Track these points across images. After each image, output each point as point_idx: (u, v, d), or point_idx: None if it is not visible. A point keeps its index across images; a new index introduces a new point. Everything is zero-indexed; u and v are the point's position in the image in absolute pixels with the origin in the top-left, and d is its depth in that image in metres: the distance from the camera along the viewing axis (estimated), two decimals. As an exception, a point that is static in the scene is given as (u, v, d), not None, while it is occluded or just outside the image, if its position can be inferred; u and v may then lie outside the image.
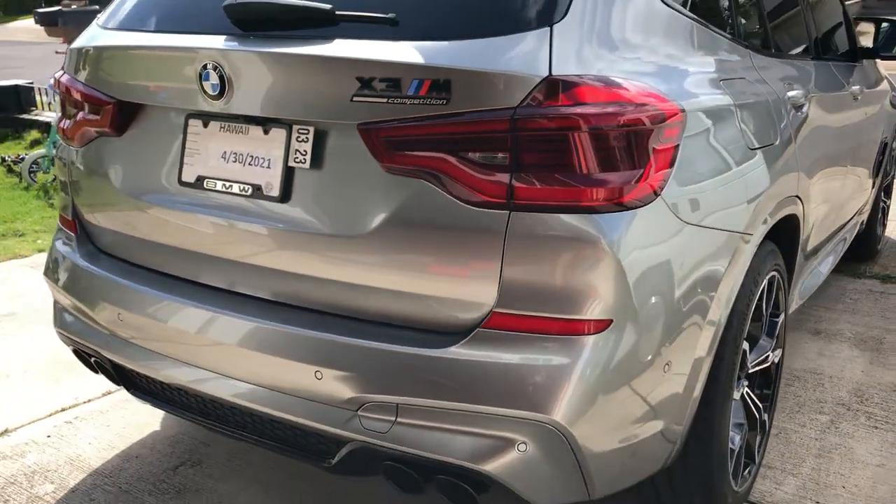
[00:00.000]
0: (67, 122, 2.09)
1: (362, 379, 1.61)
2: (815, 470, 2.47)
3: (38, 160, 6.24)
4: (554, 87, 1.47)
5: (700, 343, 1.75)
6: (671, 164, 1.60)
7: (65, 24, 11.96)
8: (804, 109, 2.34)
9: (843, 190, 3.08)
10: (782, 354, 2.45)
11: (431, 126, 1.51)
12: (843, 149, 2.89)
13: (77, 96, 2.03)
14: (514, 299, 1.54)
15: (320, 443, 1.75)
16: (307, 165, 1.68)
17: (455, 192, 1.53)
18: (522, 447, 1.55)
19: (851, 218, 3.63)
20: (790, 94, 2.23)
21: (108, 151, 2.01)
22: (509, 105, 1.47)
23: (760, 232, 1.93)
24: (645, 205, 1.55)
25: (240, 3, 1.68)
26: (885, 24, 3.65)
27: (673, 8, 1.81)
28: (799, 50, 2.78)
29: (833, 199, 2.88)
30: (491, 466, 1.57)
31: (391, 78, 1.52)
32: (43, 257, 4.27)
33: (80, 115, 2.03)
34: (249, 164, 1.76)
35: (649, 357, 1.62)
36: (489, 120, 1.48)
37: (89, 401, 2.83)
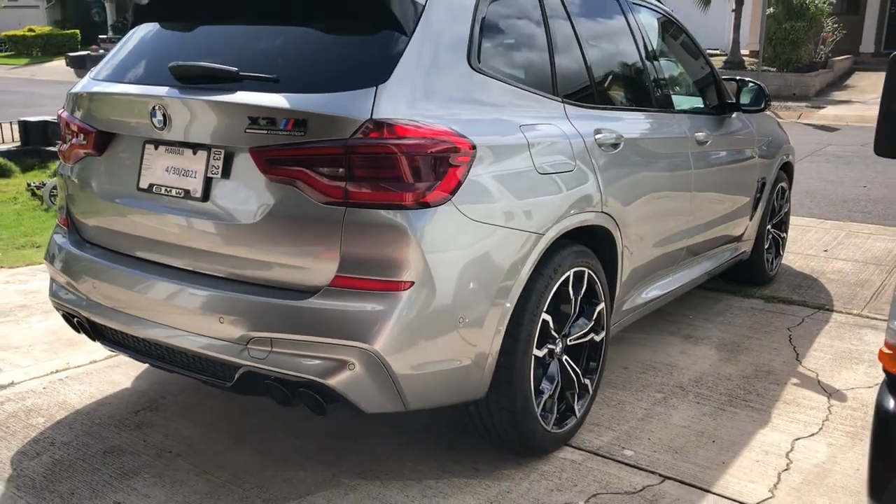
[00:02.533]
0: (64, 146, 2.90)
1: (249, 322, 2.37)
2: (633, 428, 3.16)
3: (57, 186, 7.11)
4: (373, 125, 2.25)
5: (491, 306, 2.48)
6: (462, 180, 2.36)
7: (92, 67, 13.00)
8: (618, 148, 3.09)
9: (692, 217, 3.80)
10: (606, 336, 3.15)
11: (294, 150, 2.29)
12: (680, 182, 3.62)
13: (73, 127, 2.85)
14: (350, 267, 2.29)
15: (223, 370, 2.49)
16: (220, 176, 2.47)
17: (310, 195, 2.30)
18: (352, 367, 2.29)
19: (720, 243, 4.34)
20: (599, 136, 2.99)
21: (91, 167, 2.82)
22: (343, 137, 2.25)
23: (553, 232, 2.67)
24: (440, 206, 2.31)
25: (178, 65, 2.49)
26: (750, 84, 4.41)
27: (483, 73, 2.59)
28: (632, 103, 3.54)
29: (671, 224, 3.61)
30: (333, 381, 2.30)
31: (269, 117, 2.31)
32: (53, 264, 5.09)
33: (74, 140, 2.85)
34: (183, 175, 2.54)
35: (444, 311, 2.36)
36: (331, 146, 2.25)
37: (79, 366, 3.60)
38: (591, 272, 2.95)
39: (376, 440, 2.99)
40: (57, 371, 3.54)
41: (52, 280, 2.99)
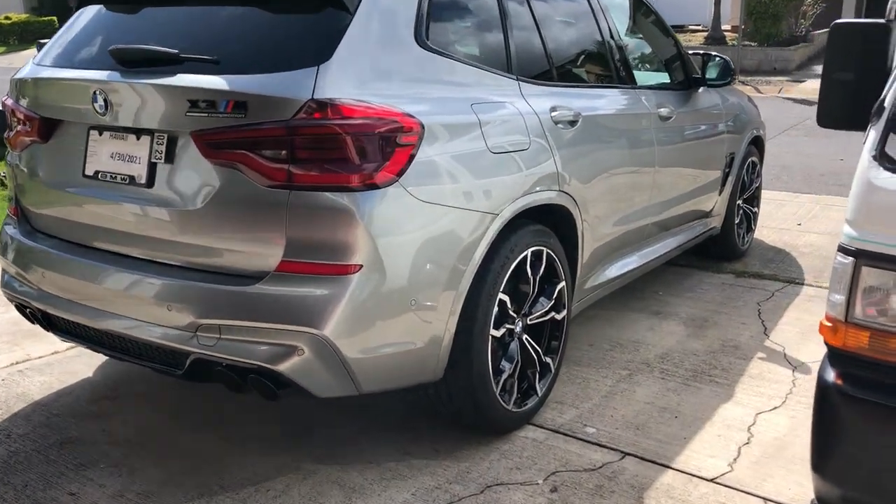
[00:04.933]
0: (10, 133, 2.85)
1: (197, 309, 2.34)
2: (596, 405, 3.15)
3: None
4: (316, 105, 2.21)
5: (444, 288, 2.46)
6: (410, 160, 2.33)
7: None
8: (576, 126, 3.06)
9: (656, 193, 3.78)
10: (567, 315, 3.14)
11: (236, 132, 2.25)
12: (642, 158, 3.60)
13: (18, 115, 2.79)
14: (296, 251, 2.26)
15: (174, 358, 2.46)
16: (163, 161, 2.42)
17: (254, 178, 2.26)
18: (301, 352, 2.27)
19: (688, 219, 4.33)
20: (556, 114, 2.96)
21: (37, 155, 2.77)
22: (285, 118, 2.21)
23: (509, 212, 2.64)
24: (388, 187, 2.28)
25: (118, 48, 2.43)
26: (716, 59, 4.38)
27: (432, 50, 2.55)
28: (592, 80, 3.51)
29: (634, 201, 3.59)
30: (282, 367, 2.28)
31: (209, 100, 2.26)
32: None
33: (19, 128, 2.79)
34: (128, 161, 2.50)
35: (395, 294, 2.34)
36: (272, 128, 2.21)
37: (40, 357, 3.56)
38: (549, 251, 2.93)
39: (338, 424, 2.98)
40: (17, 363, 3.50)
41: (4, 271, 2.94)
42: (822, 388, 1.75)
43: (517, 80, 2.89)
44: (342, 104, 2.23)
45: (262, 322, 2.27)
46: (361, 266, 2.26)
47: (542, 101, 2.94)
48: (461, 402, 2.68)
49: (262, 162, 2.24)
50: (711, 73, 4.30)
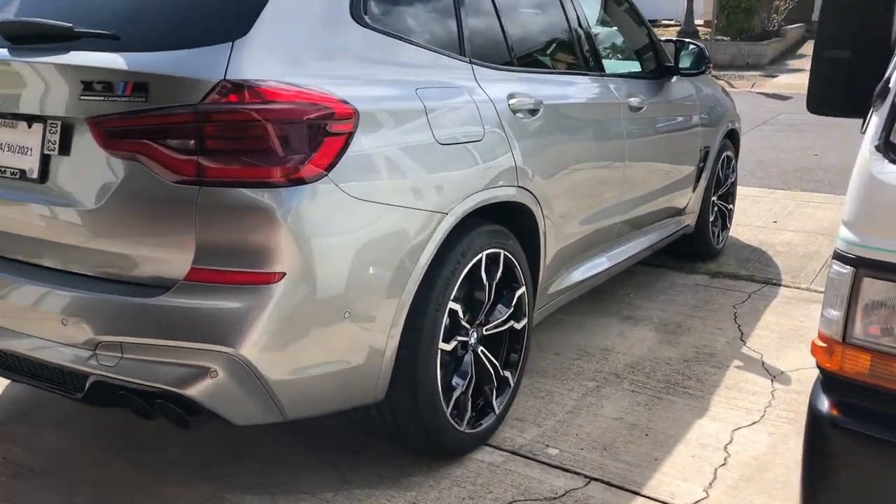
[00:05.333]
0: None
1: (94, 324, 2.01)
2: (560, 422, 2.87)
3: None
4: (230, 87, 1.89)
5: (384, 297, 2.16)
6: (342, 151, 2.02)
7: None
8: (536, 115, 2.77)
9: (626, 190, 3.51)
10: (528, 323, 2.85)
11: (136, 119, 1.93)
12: (611, 152, 3.32)
13: None
14: (207, 257, 1.94)
15: (72, 379, 2.14)
16: (57, 152, 2.09)
17: (158, 172, 1.94)
18: (214, 374, 1.95)
19: (660, 216, 4.07)
20: (514, 101, 2.66)
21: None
22: (192, 102, 1.89)
23: (459, 211, 2.35)
24: (315, 182, 1.97)
25: (4, 22, 2.10)
26: (690, 46, 4.12)
27: (371, 28, 2.24)
28: (555, 66, 3.23)
29: (602, 198, 3.31)
30: (192, 391, 1.96)
31: (105, 81, 1.94)
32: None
33: None
34: (18, 152, 2.16)
35: (325, 306, 2.03)
36: (176, 114, 1.90)
37: (-55, 372, 3.20)
38: (507, 254, 2.64)
39: (270, 445, 2.67)
40: (-80, 378, 3.14)
41: None
42: (815, 420, 1.48)
43: (470, 63, 2.59)
44: (261, 86, 1.92)
45: (168, 339, 1.95)
46: (284, 274, 1.95)
47: (499, 87, 2.65)
48: (407, 424, 2.38)
49: (168, 153, 1.92)
50: (685, 62, 4.04)
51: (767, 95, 13.29)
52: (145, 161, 1.94)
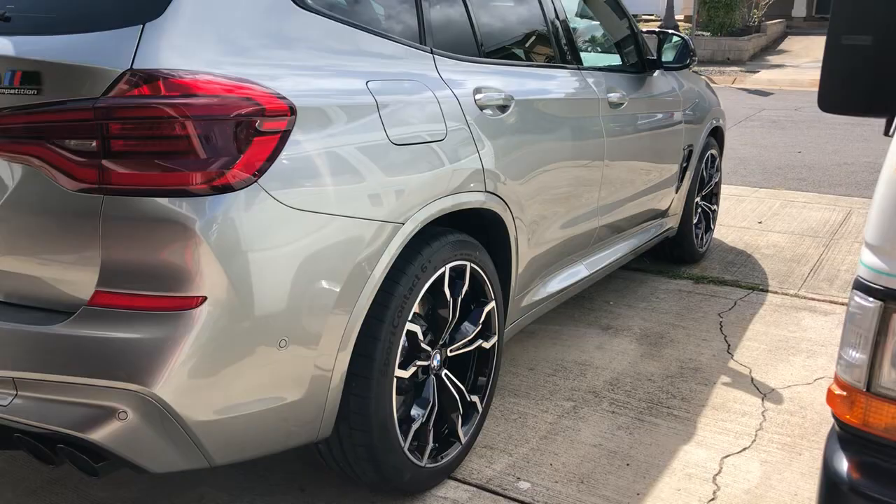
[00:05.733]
0: None
1: (-15, 355, 1.71)
2: (532, 450, 2.61)
3: None
4: (141, 77, 1.60)
5: (329, 321, 1.87)
6: (275, 153, 1.73)
7: None
8: (507, 111, 2.49)
9: (606, 192, 3.24)
10: (499, 341, 2.58)
11: (26, 116, 1.63)
12: (589, 151, 3.05)
13: None
14: (114, 279, 1.65)
15: (-38, 419, 1.83)
16: (-59, 154, 1.78)
17: (56, 178, 1.64)
18: (123, 416, 1.66)
19: (642, 219, 3.82)
20: (481, 96, 2.38)
21: None
22: (93, 95, 1.59)
23: (417, 220, 2.07)
24: (242, 190, 1.68)
25: None
26: (673, 38, 3.86)
27: (313, 10, 1.95)
28: (528, 57, 2.95)
29: (580, 201, 3.04)
30: (96, 435, 1.67)
31: (-11, 70, 1.63)
32: None
33: None
34: None
35: (256, 334, 1.74)
36: (74, 109, 1.60)
37: None
38: (474, 266, 2.37)
39: (206, 484, 2.38)
40: None
41: None
42: (831, 484, 1.22)
43: (432, 53, 2.31)
44: (177, 77, 1.62)
45: (68, 375, 1.66)
46: (205, 298, 1.66)
47: (465, 80, 2.37)
48: (358, 462, 2.10)
49: (65, 156, 1.62)
50: (668, 55, 3.78)
51: (749, 91, 13.13)
52: (40, 165, 1.64)
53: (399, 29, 2.23)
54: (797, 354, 3.40)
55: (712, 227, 4.86)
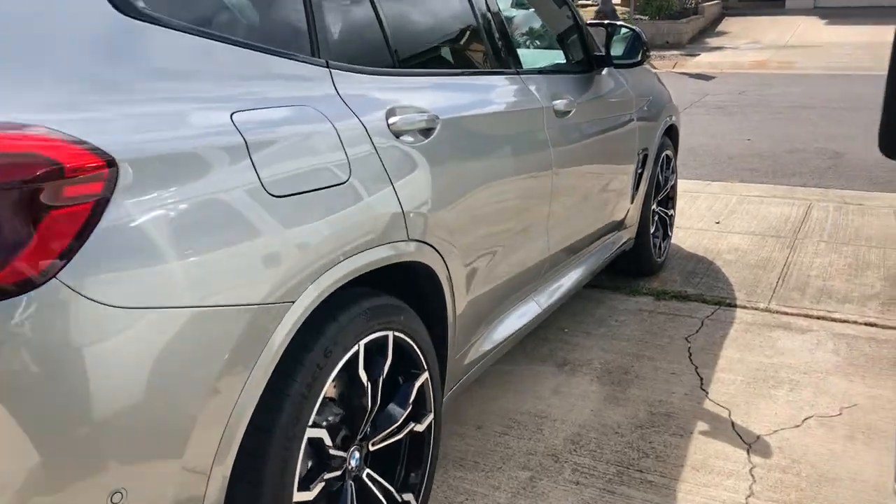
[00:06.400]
0: None
1: None
2: (484, 548, 2.13)
3: None
4: None
5: (190, 452, 1.35)
6: (84, 231, 1.19)
7: None
8: (431, 135, 1.99)
9: (555, 216, 2.77)
10: (436, 419, 2.09)
11: None
12: (533, 171, 2.57)
13: None
14: None
15: None
16: None
17: None
18: None
19: (597, 237, 3.37)
20: (396, 120, 1.87)
21: None
22: None
23: (313, 294, 1.55)
24: (38, 288, 1.14)
25: None
26: (622, 30, 3.40)
27: (149, 19, 1.41)
28: (455, 65, 2.44)
29: (526, 231, 2.56)
30: None
31: None
32: None
33: None
34: None
35: (72, 491, 1.20)
36: None
37: None
38: (399, 334, 1.86)
39: None
40: None
41: None
42: None
43: (328, 67, 1.78)
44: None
45: None
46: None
47: (374, 100, 1.85)
48: None
49: None
50: (618, 49, 3.31)
51: (690, 75, 12.88)
52: None
53: (281, 37, 1.70)
54: (778, 387, 2.99)
55: (670, 233, 4.46)
